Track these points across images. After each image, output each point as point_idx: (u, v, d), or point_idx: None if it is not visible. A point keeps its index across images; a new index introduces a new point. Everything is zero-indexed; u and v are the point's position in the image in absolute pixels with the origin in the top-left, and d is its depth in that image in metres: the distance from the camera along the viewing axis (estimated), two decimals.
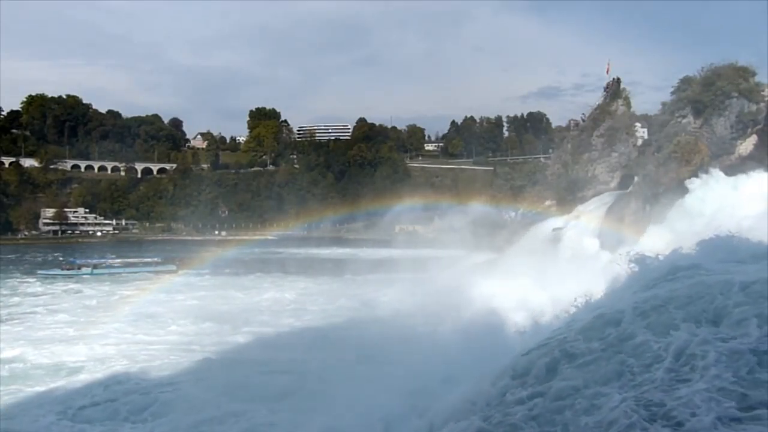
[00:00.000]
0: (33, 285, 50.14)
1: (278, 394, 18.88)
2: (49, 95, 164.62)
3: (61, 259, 68.09)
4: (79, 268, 58.52)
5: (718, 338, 7.39)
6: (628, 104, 50.78)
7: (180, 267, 61.95)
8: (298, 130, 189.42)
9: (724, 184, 30.52)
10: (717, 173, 31.72)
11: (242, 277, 56.39)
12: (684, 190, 32.02)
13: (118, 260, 63.64)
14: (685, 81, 40.28)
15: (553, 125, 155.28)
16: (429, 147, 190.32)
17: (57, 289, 47.69)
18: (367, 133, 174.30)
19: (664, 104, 43.02)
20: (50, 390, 20.12)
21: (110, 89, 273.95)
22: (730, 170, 31.80)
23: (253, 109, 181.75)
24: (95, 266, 59.66)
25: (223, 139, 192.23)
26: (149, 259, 65.14)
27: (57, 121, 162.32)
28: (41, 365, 23.29)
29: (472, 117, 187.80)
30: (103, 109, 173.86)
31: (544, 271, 32.55)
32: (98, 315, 35.03)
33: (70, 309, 37.52)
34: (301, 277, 56.12)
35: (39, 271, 59.52)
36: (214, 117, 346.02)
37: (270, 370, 22.14)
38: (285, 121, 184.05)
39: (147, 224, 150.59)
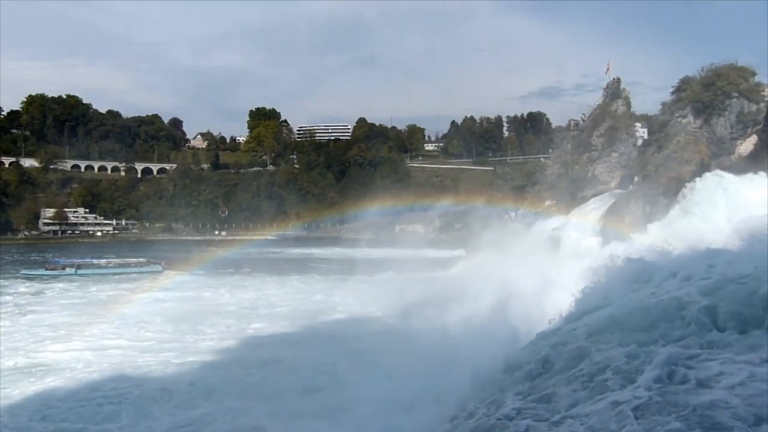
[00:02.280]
0: (15, 285, 49.06)
1: (267, 395, 18.47)
2: (49, 95, 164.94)
3: (57, 259, 67.65)
4: (63, 268, 57.73)
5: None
6: (628, 104, 50.61)
7: (168, 267, 60.92)
8: (298, 130, 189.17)
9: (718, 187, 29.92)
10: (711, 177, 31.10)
11: (232, 276, 55.44)
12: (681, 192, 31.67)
13: (103, 260, 62.67)
14: (685, 81, 40.15)
15: (553, 125, 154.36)
16: (429, 147, 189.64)
17: (37, 289, 46.69)
18: (367, 133, 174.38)
19: (664, 104, 42.95)
20: (16, 394, 19.32)
21: (110, 89, 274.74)
22: (729, 170, 31.44)
23: (253, 109, 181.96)
24: (79, 266, 58.82)
25: (223, 139, 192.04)
26: (135, 260, 64.20)
27: (57, 121, 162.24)
28: (8, 368, 22.40)
29: (472, 117, 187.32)
30: (103, 109, 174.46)
31: (543, 271, 32.26)
32: (74, 316, 34.10)
33: (46, 310, 36.51)
34: (294, 276, 55.45)
35: (23, 271, 58.60)
36: (214, 117, 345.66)
37: (258, 370, 21.75)
38: (285, 121, 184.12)
39: (147, 224, 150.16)
